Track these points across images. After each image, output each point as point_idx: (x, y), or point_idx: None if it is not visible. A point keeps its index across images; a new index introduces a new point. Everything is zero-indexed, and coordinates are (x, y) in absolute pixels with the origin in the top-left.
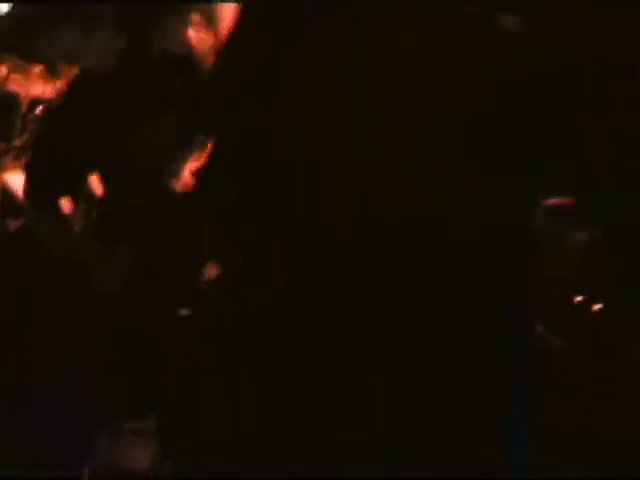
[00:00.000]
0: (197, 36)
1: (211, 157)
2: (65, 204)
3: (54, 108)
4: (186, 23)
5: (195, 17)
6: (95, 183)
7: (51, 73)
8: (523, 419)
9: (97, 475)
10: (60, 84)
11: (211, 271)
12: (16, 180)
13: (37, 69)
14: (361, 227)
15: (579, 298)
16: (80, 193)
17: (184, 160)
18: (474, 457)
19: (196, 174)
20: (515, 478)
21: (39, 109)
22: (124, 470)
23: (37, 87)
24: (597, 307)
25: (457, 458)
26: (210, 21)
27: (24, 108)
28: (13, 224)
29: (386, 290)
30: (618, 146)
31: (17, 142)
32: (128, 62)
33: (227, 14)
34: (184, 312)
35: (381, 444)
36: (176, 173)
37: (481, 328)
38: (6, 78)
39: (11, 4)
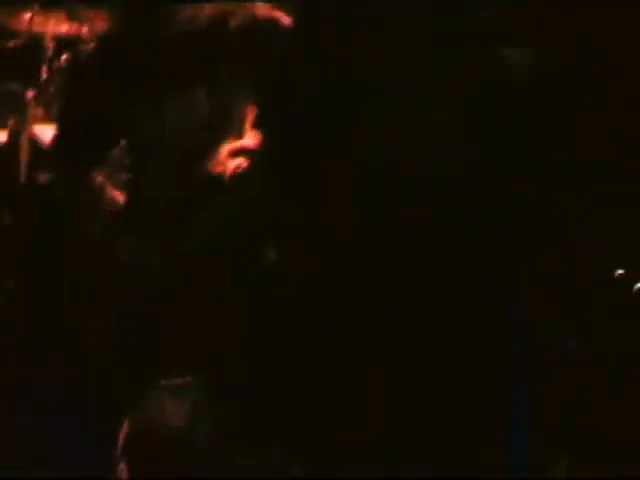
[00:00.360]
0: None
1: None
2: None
3: (81, 67)
4: None
5: None
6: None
7: (74, 17)
8: (523, 419)
9: (136, 431)
10: (84, 27)
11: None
12: (45, 132)
13: (61, 13)
14: (364, 227)
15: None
16: (108, 163)
17: (221, 139)
18: (474, 457)
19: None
20: (515, 478)
21: (65, 54)
22: (162, 426)
23: (62, 28)
24: None
25: (457, 458)
26: None
27: (51, 51)
28: (42, 177)
29: (387, 290)
30: (618, 146)
31: (45, 93)
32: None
33: None
34: None
35: (381, 444)
36: (212, 153)
37: (481, 328)
38: (31, 21)
39: None
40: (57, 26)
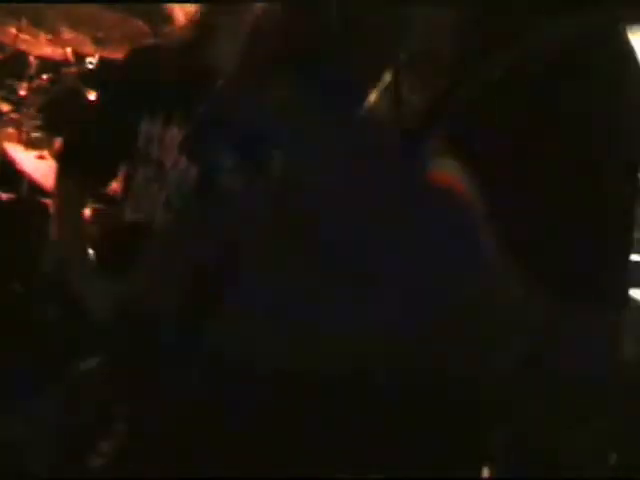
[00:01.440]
0: None
1: None
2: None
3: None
4: None
5: None
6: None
7: (58, 39)
8: None
9: None
10: (66, 50)
11: None
12: (14, 150)
13: (46, 35)
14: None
15: None
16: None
17: None
18: (474, 457)
19: None
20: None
21: (47, 75)
22: None
23: (46, 49)
24: None
25: (457, 458)
26: None
27: (33, 70)
28: (6, 195)
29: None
30: None
31: (21, 110)
32: None
33: None
34: None
35: (381, 444)
36: None
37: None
38: (15, 38)
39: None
40: (42, 46)
